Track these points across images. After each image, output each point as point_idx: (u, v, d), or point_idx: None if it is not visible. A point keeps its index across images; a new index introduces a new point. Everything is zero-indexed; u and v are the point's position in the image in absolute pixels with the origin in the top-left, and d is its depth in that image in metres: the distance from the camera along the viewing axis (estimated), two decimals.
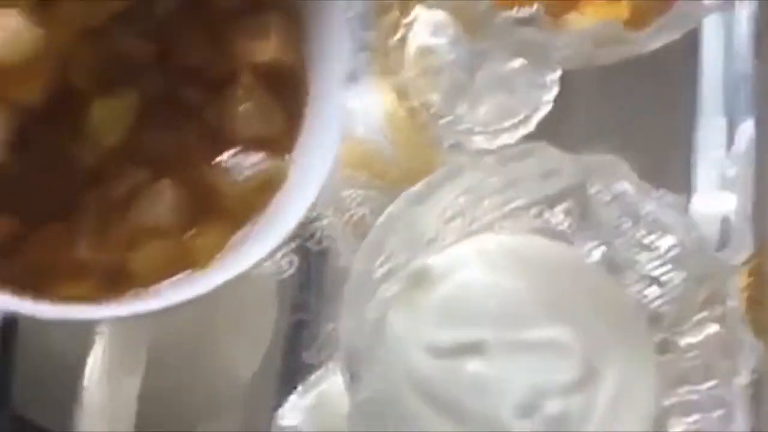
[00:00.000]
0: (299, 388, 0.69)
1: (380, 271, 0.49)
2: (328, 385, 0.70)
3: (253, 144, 0.52)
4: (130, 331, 0.59)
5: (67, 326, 0.61)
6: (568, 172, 0.50)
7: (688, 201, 0.63)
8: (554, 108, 0.70)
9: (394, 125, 0.70)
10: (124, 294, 0.50)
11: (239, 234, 0.51)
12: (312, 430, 0.68)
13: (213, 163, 0.52)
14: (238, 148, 0.52)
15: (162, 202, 0.50)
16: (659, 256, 0.51)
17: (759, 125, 0.71)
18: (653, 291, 0.52)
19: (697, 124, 0.72)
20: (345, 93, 0.53)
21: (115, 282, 0.50)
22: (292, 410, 0.69)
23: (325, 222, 0.68)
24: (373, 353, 0.48)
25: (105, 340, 0.59)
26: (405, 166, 0.69)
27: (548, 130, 0.66)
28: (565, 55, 0.56)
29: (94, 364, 0.58)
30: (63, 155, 0.50)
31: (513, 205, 0.51)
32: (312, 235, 0.68)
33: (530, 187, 0.51)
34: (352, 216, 0.69)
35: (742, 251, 0.64)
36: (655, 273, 0.51)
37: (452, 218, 0.51)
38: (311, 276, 0.69)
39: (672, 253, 0.50)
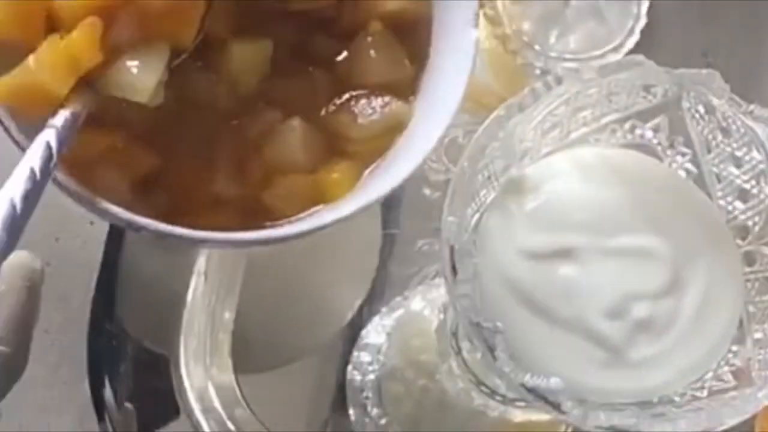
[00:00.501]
0: (384, 308, 0.72)
1: (481, 176, 0.51)
2: (414, 304, 0.73)
3: (380, 88, 0.54)
4: (228, 262, 0.63)
5: (170, 256, 0.64)
6: (664, 86, 0.51)
7: None
8: (643, 37, 0.72)
9: (486, 52, 0.72)
10: (259, 227, 0.52)
11: (368, 172, 0.54)
12: (393, 348, 0.71)
13: (342, 106, 0.54)
14: (365, 92, 0.54)
15: (294, 139, 0.53)
16: (749, 170, 0.52)
17: None
18: (741, 204, 0.53)
19: None
20: (469, 36, 0.54)
21: (251, 215, 0.52)
22: (377, 329, 0.72)
23: None
24: (472, 253, 0.50)
25: (205, 270, 0.63)
26: (497, 91, 0.71)
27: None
28: None
29: (195, 290, 0.62)
30: (204, 98, 0.53)
31: (609, 118, 0.53)
32: None
33: (627, 100, 0.52)
34: (444, 138, 0.71)
35: None
36: (745, 186, 0.53)
37: (550, 129, 0.52)
38: (401, 194, 0.71)
39: (761, 167, 0.51)
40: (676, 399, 0.51)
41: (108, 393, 0.64)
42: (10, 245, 0.43)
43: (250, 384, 0.66)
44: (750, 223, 0.53)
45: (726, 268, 0.52)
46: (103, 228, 0.65)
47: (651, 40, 0.72)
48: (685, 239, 0.52)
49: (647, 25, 0.72)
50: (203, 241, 0.49)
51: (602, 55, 0.71)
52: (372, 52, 0.55)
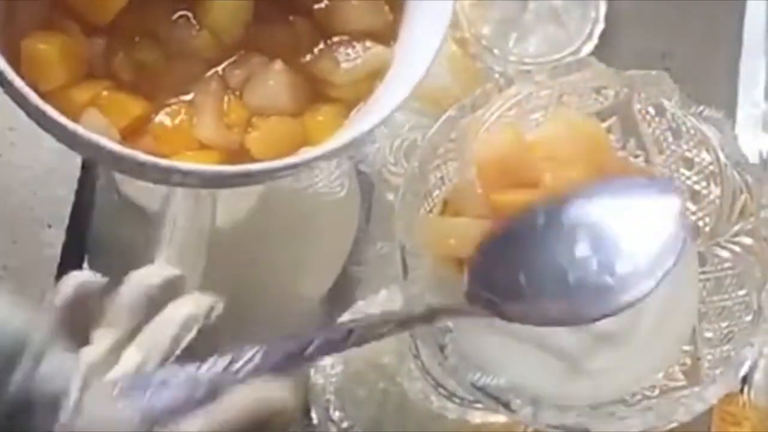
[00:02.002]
0: (346, 312, 0.72)
1: (433, 177, 0.51)
2: (375, 307, 0.73)
3: (360, 35, 0.55)
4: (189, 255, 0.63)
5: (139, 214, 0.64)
6: (615, 88, 0.51)
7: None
8: (602, 40, 0.72)
9: (446, 55, 0.72)
10: None
11: (351, 116, 0.54)
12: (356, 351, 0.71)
13: (323, 52, 0.54)
14: (347, 38, 0.55)
15: (276, 83, 0.53)
16: (699, 171, 0.53)
17: None
18: (692, 205, 0.53)
19: (740, 63, 0.73)
20: None
21: (235, 158, 0.52)
22: None
23: (376, 146, 0.71)
24: (423, 254, 0.50)
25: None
26: (456, 94, 0.71)
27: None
28: None
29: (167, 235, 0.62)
30: (188, 47, 0.54)
31: None
32: (364, 159, 0.71)
33: (579, 102, 0.52)
34: (403, 141, 0.71)
35: None
36: (696, 187, 0.53)
37: (502, 129, 0.52)
38: (362, 198, 0.71)
39: (711, 168, 0.52)
40: (627, 398, 0.51)
41: None
42: None
43: None
44: (701, 224, 0.54)
45: (684, 271, 0.52)
46: (60, 231, 0.65)
47: (609, 43, 0.72)
48: None
49: (605, 29, 0.73)
50: (187, 174, 0.49)
51: (561, 59, 0.72)
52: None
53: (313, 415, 0.68)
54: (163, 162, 0.48)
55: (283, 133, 0.53)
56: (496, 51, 0.72)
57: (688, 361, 0.51)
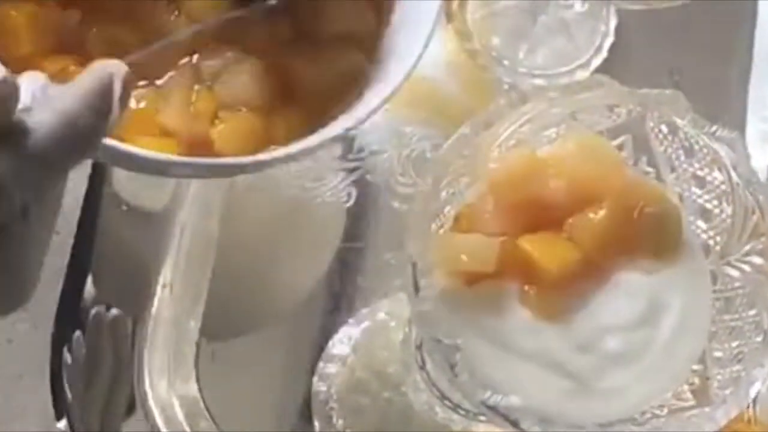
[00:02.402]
0: (350, 320, 0.72)
1: (445, 193, 0.51)
2: (381, 315, 0.73)
3: (339, 40, 0.54)
4: (194, 272, 0.63)
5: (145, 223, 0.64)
6: (627, 106, 0.51)
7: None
8: (611, 54, 0.72)
9: (455, 66, 0.72)
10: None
11: (318, 122, 0.53)
12: (359, 359, 0.71)
13: (299, 51, 0.54)
14: (324, 40, 0.54)
15: (249, 78, 0.53)
16: (711, 190, 0.53)
17: None
18: (703, 223, 0.53)
19: (749, 79, 0.73)
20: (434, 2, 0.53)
21: (197, 149, 0.51)
22: (343, 340, 0.72)
23: (385, 156, 0.71)
24: (434, 271, 0.50)
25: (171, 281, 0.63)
26: (465, 105, 0.71)
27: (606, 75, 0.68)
28: None
29: (160, 302, 0.62)
30: (163, 32, 0.53)
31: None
32: (372, 169, 0.71)
33: (591, 119, 0.52)
34: (412, 152, 0.71)
35: None
36: (707, 206, 0.53)
37: (515, 147, 0.52)
38: (368, 207, 0.71)
39: (723, 187, 0.52)
40: (636, 417, 0.51)
41: (70, 403, 0.64)
42: None
43: (214, 395, 0.66)
44: (711, 242, 0.53)
45: (698, 290, 0.52)
46: (69, 238, 0.65)
47: (619, 57, 0.72)
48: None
49: (615, 42, 0.73)
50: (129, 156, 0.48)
51: (570, 72, 0.72)
52: (337, 2, 0.55)
53: (316, 423, 0.68)
54: (110, 143, 0.47)
55: (249, 129, 0.53)
56: (505, 62, 0.72)
57: (698, 381, 0.51)
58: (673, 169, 0.53)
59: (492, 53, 0.72)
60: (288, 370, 0.70)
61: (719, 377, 0.50)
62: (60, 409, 0.64)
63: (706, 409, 0.49)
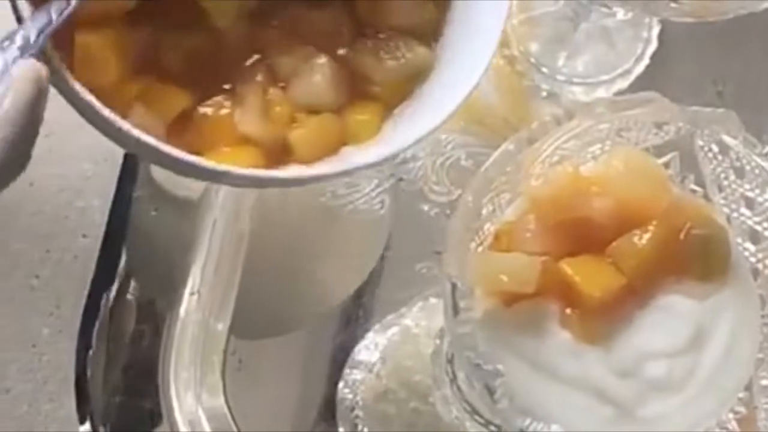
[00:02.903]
0: (377, 326, 0.71)
1: (485, 210, 0.50)
2: (409, 323, 0.71)
3: (402, 31, 0.53)
4: (222, 278, 0.62)
5: (181, 211, 0.63)
6: (677, 123, 0.50)
7: None
8: (653, 62, 0.71)
9: (492, 72, 0.70)
10: (285, 166, 0.51)
11: (393, 116, 0.52)
12: (386, 367, 0.70)
13: (365, 47, 0.53)
14: (388, 34, 0.53)
15: (322, 77, 0.51)
16: (761, 212, 0.51)
17: None
18: (752, 245, 0.52)
19: None
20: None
21: (276, 155, 0.51)
22: (369, 346, 0.71)
23: (419, 164, 0.70)
24: (474, 292, 0.49)
25: (198, 288, 0.62)
26: (502, 113, 0.70)
27: (646, 86, 0.67)
28: (675, 7, 0.55)
29: (188, 310, 0.61)
30: (231, 35, 0.52)
31: None
32: (406, 176, 0.70)
33: (638, 136, 0.51)
34: (446, 159, 0.70)
35: None
36: (756, 228, 0.52)
37: (559, 162, 0.51)
38: (401, 215, 0.70)
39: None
40: None
41: (94, 410, 0.63)
42: None
43: (240, 403, 0.65)
44: (760, 266, 0.52)
45: (746, 315, 0.51)
46: (96, 242, 0.64)
47: (661, 65, 0.71)
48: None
49: (657, 49, 0.71)
50: (225, 174, 0.47)
51: (611, 80, 0.70)
52: None
53: (341, 430, 0.67)
54: (201, 162, 0.47)
55: (326, 130, 0.52)
56: (544, 69, 0.71)
57: (743, 409, 0.50)
58: (721, 189, 0.52)
59: (530, 60, 0.71)
60: (314, 376, 0.69)
61: (766, 406, 0.49)
62: (83, 413, 0.63)
63: None
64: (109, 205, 0.65)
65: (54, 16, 0.45)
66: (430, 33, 0.54)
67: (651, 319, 0.49)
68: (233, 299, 0.64)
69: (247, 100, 0.51)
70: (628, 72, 0.71)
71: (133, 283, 0.65)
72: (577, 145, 0.51)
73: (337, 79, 0.52)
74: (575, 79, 0.70)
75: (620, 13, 0.70)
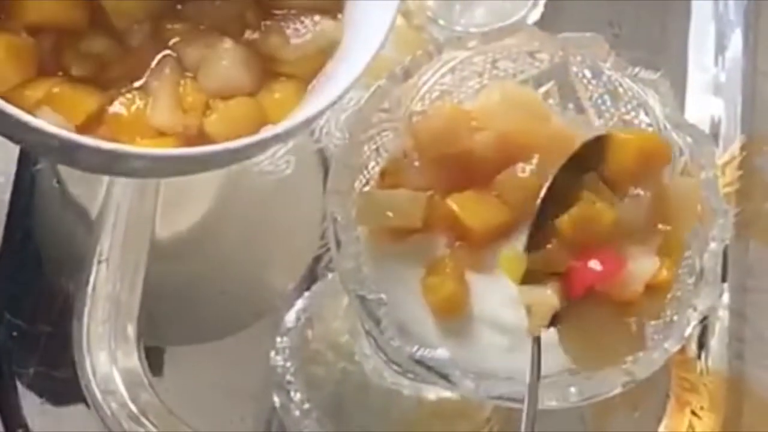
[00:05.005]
0: (306, 293, 0.71)
1: (367, 148, 0.50)
2: (334, 287, 0.72)
3: (306, 9, 0.54)
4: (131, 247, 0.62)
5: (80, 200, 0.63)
6: (549, 52, 0.50)
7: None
8: (548, 8, 0.71)
9: None
10: None
11: (308, 92, 0.53)
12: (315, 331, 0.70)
13: (271, 28, 0.54)
14: (294, 12, 0.54)
15: (230, 62, 0.52)
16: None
17: (746, 32, 0.72)
18: None
19: (689, 30, 0.73)
20: None
21: (196, 143, 0.51)
22: (298, 313, 0.71)
23: (323, 121, 0.70)
24: (355, 226, 0.49)
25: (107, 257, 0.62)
26: None
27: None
28: None
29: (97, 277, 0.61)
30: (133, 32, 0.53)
31: None
32: (311, 135, 0.70)
33: (514, 67, 0.51)
34: (350, 115, 0.70)
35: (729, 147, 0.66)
36: None
37: (439, 97, 0.52)
38: (310, 173, 0.70)
39: (650, 129, 0.51)
40: (573, 367, 0.50)
41: (10, 384, 0.63)
42: None
43: (165, 374, 0.65)
44: None
45: None
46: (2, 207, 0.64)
47: (556, 11, 0.72)
48: None
49: None
50: (140, 157, 0.48)
51: (506, 28, 0.71)
52: None
53: (276, 399, 0.67)
54: (119, 147, 0.47)
55: (242, 113, 0.52)
56: (441, 22, 0.71)
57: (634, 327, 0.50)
58: (600, 115, 0.53)
59: (427, 13, 0.71)
60: (246, 345, 0.69)
61: (653, 322, 0.50)
62: None
63: (640, 354, 0.48)
64: (11, 181, 0.65)
65: None
66: (334, 6, 0.55)
67: None
68: (143, 267, 0.65)
69: (158, 95, 0.52)
70: (524, 19, 0.71)
71: (42, 255, 0.65)
72: (455, 80, 0.51)
73: (246, 62, 0.53)
74: (472, 29, 0.71)
75: None
